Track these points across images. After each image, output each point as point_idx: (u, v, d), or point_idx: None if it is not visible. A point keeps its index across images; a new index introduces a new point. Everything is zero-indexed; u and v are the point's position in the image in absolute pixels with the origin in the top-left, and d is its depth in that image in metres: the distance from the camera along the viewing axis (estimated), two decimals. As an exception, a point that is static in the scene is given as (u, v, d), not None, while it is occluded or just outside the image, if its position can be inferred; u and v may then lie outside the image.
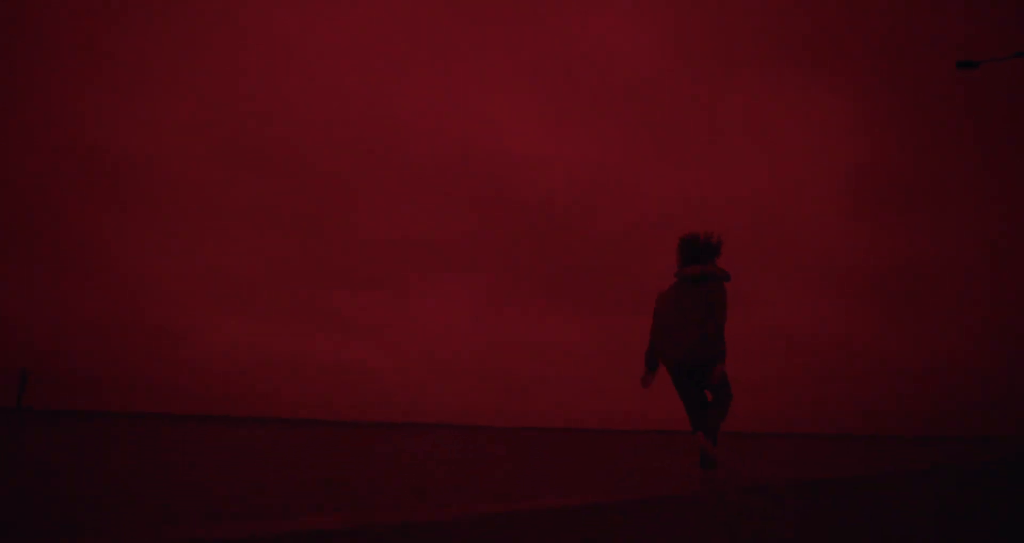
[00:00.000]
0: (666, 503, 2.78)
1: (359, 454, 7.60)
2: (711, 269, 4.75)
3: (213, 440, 11.64)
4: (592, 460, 7.19)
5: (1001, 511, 2.76)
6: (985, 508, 2.91)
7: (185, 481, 3.62)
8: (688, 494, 3.16)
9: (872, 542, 1.93)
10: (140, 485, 3.38)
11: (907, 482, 4.56)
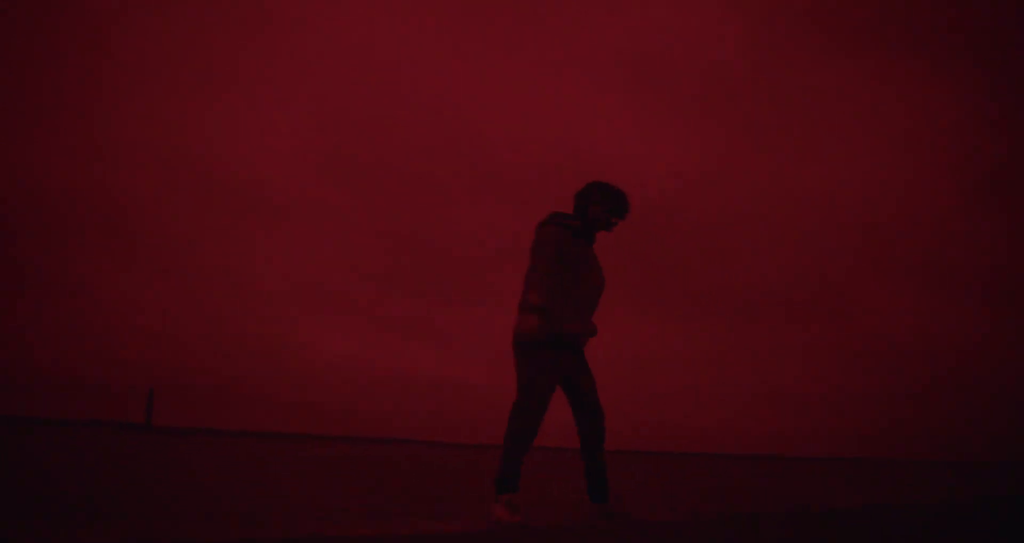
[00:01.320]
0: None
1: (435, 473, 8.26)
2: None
3: (307, 459, 12.56)
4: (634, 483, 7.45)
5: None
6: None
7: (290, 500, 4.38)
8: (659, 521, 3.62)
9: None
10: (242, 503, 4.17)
11: (920, 514, 4.58)
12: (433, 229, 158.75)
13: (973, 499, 6.46)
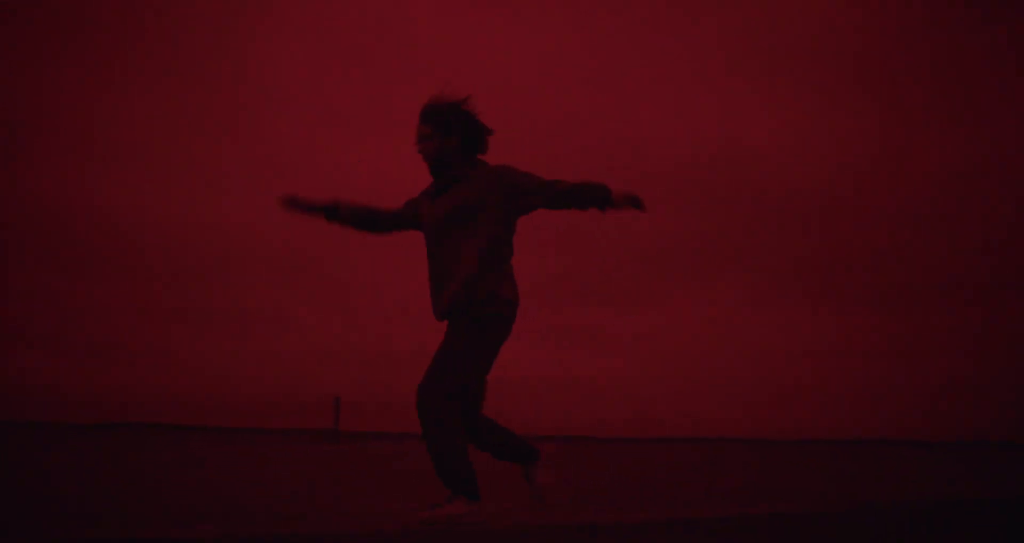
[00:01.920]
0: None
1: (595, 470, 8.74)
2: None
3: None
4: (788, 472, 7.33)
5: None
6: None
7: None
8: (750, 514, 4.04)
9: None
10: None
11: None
12: (599, 232, 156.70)
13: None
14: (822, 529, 3.04)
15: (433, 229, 2.99)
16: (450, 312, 2.91)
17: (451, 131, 2.96)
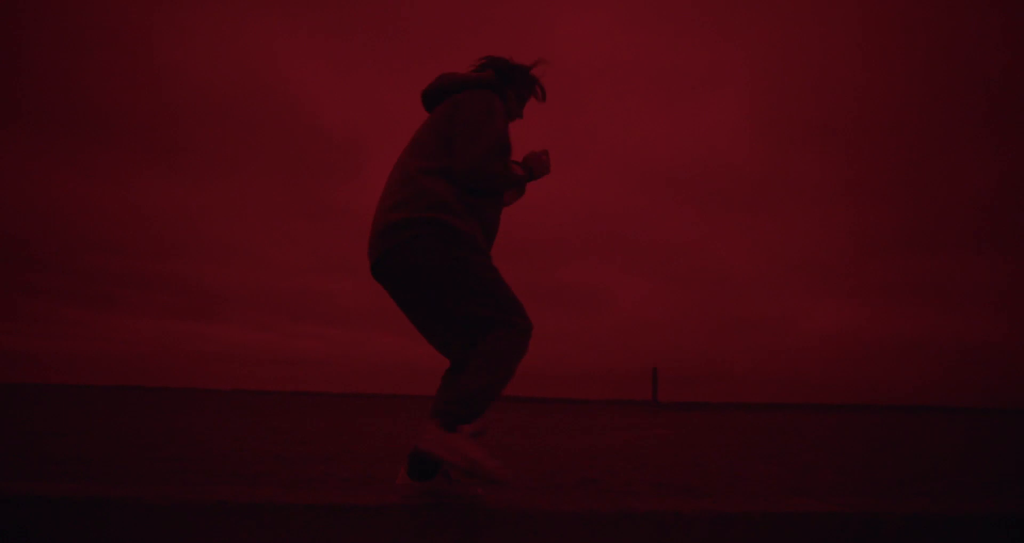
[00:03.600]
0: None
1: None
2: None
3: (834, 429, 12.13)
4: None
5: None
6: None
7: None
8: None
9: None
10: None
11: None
12: (915, 178, 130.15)
13: None
14: None
15: None
16: None
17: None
